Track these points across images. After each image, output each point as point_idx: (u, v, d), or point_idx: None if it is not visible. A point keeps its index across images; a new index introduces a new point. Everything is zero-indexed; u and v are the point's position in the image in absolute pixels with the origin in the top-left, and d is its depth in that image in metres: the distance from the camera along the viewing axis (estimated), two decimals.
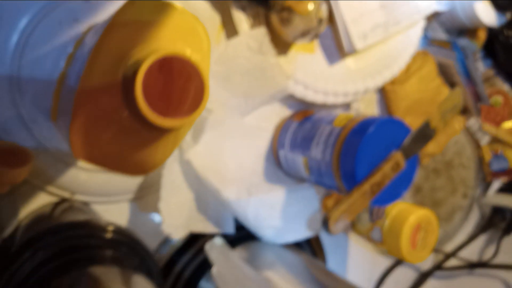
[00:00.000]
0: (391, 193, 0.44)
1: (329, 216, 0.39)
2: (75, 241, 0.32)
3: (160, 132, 0.26)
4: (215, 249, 0.31)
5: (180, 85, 0.29)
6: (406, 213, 0.48)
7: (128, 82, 0.25)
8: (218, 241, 0.33)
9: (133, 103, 0.24)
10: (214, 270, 0.32)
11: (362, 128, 0.43)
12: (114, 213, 0.46)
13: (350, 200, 0.41)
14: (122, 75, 0.26)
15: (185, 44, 0.29)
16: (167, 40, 0.28)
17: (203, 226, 0.49)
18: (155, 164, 0.29)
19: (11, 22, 0.39)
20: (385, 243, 0.49)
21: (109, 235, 0.34)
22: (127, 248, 0.34)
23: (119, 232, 0.35)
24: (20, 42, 0.39)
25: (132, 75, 0.24)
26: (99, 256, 0.32)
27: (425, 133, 0.45)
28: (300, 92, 0.51)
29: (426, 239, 0.49)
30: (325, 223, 0.40)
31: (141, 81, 0.24)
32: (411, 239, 0.48)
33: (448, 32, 0.60)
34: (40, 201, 0.43)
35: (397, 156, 0.43)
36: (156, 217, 0.49)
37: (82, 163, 0.43)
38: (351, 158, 0.43)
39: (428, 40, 0.61)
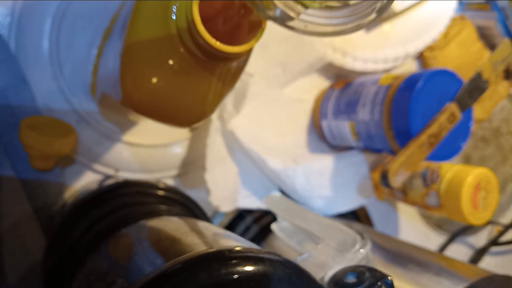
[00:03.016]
0: (450, 147, 0.41)
1: (387, 169, 0.36)
2: (128, 198, 0.30)
3: (214, 65, 0.24)
4: (274, 200, 0.28)
5: (220, 19, 0.27)
6: (463, 173, 0.44)
7: (184, 20, 0.22)
8: (275, 193, 0.30)
9: (191, 33, 0.21)
10: (274, 225, 0.29)
11: (412, 82, 0.40)
12: None
13: (408, 152, 0.37)
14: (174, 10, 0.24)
15: None
16: None
17: (249, 201, 0.45)
18: (206, 109, 0.27)
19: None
20: (444, 206, 0.45)
21: (160, 192, 0.31)
22: (181, 207, 0.31)
23: (171, 190, 0.32)
24: (57, 15, 0.38)
25: (188, 14, 0.22)
26: (154, 210, 0.29)
27: (478, 85, 0.42)
28: (339, 59, 0.48)
29: (487, 199, 0.44)
30: (384, 177, 0.36)
31: (198, 13, 0.22)
32: (472, 200, 0.43)
33: None
34: (85, 179, 0.41)
35: (452, 107, 0.39)
36: (201, 194, 0.46)
37: (126, 137, 0.41)
38: (404, 114, 0.39)
39: (463, 6, 0.58)
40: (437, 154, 0.40)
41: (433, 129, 0.38)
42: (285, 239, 0.29)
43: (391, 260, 0.35)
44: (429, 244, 0.59)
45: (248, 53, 0.24)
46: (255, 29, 0.22)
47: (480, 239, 0.63)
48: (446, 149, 0.40)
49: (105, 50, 0.37)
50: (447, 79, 0.41)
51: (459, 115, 0.40)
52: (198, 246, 0.22)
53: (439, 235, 0.59)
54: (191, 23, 0.20)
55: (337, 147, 0.50)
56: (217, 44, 0.20)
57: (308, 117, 0.50)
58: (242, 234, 0.45)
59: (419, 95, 0.39)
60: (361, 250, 0.24)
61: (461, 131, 0.41)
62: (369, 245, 0.25)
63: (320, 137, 0.50)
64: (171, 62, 0.22)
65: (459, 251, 0.61)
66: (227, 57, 0.22)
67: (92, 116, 0.39)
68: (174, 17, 0.22)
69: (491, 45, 0.57)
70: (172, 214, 0.28)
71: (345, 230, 0.24)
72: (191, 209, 0.32)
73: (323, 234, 0.25)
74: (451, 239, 0.59)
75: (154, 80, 0.23)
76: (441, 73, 0.40)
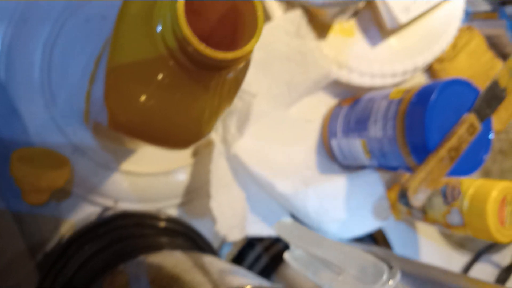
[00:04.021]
0: (472, 160, 0.37)
1: (406, 187, 0.32)
2: (125, 231, 0.27)
3: (208, 77, 0.21)
4: (285, 226, 0.25)
5: (215, 36, 0.24)
6: (487, 187, 0.41)
7: (169, 26, 0.19)
8: (285, 219, 0.27)
9: (180, 44, 0.19)
10: (286, 254, 0.26)
11: (425, 94, 0.37)
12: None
13: (428, 168, 0.34)
14: (159, 20, 0.21)
15: None
16: None
17: (258, 228, 0.42)
18: (202, 129, 0.24)
19: (37, 24, 0.35)
20: (468, 225, 0.41)
21: (161, 224, 0.28)
22: (184, 238, 0.28)
23: (173, 220, 0.29)
24: (48, 43, 0.36)
25: (172, 17, 0.19)
26: (154, 243, 0.26)
27: (496, 93, 0.39)
28: (345, 76, 0.46)
29: None
30: (403, 196, 0.33)
31: (183, 13, 0.19)
32: (499, 215, 0.40)
33: (490, 2, 0.54)
34: (83, 212, 0.38)
35: (471, 118, 0.36)
36: (207, 223, 0.42)
37: (124, 166, 0.38)
38: (419, 128, 0.36)
39: (469, 16, 0.55)
40: (458, 168, 0.37)
41: (452, 142, 0.35)
42: (299, 269, 0.26)
43: None
44: (452, 264, 0.55)
45: (245, 61, 0.22)
46: (251, 34, 0.19)
47: (505, 257, 0.58)
48: (467, 163, 0.37)
49: (98, 75, 0.34)
50: (462, 89, 0.38)
51: (479, 126, 0.37)
52: (201, 286, 0.19)
53: (462, 254, 0.55)
54: (177, 30, 0.18)
55: (348, 167, 0.47)
56: (208, 50, 0.18)
57: (316, 137, 0.47)
58: (253, 264, 0.42)
59: (434, 107, 0.36)
60: (390, 282, 0.20)
61: (482, 143, 0.38)
62: (398, 275, 0.21)
63: (330, 157, 0.47)
64: (159, 77, 0.20)
65: (484, 271, 0.57)
66: (222, 66, 0.19)
67: (87, 145, 0.36)
68: (159, 28, 0.19)
69: (502, 54, 0.54)
70: (174, 247, 0.25)
71: (369, 258, 0.21)
72: (195, 241, 0.29)
73: (343, 263, 0.22)
74: (475, 258, 0.55)
75: (142, 98, 0.20)
76: (455, 82, 0.37)
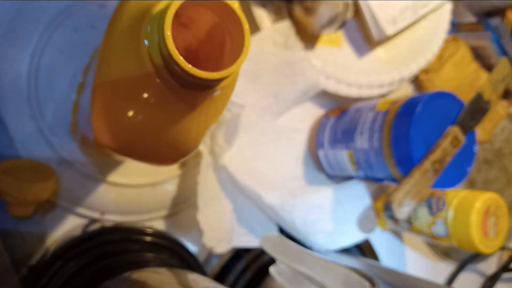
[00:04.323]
0: (456, 172, 0.38)
1: (391, 199, 0.33)
2: (110, 247, 0.26)
3: (195, 96, 0.21)
4: (271, 241, 0.25)
5: (203, 50, 0.24)
6: (471, 199, 0.41)
7: (156, 44, 0.19)
8: (271, 233, 0.27)
9: (166, 64, 0.19)
10: (272, 268, 0.26)
11: (411, 106, 0.38)
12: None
13: (412, 180, 0.34)
14: (146, 38, 0.21)
15: None
16: None
17: (246, 240, 0.42)
18: (190, 144, 0.24)
19: (25, 33, 0.35)
20: (453, 235, 0.42)
21: (148, 238, 0.28)
22: (169, 254, 0.28)
23: (159, 235, 0.29)
24: (35, 53, 0.35)
25: (159, 35, 0.19)
26: (139, 259, 0.26)
27: (480, 106, 0.39)
28: (333, 87, 0.46)
29: (498, 225, 0.41)
30: (388, 209, 0.33)
31: (169, 29, 0.19)
32: (482, 227, 0.40)
33: (476, 13, 0.55)
34: (69, 224, 0.38)
35: (455, 131, 0.37)
36: (194, 235, 0.42)
37: (111, 178, 0.38)
38: (405, 140, 0.37)
39: (455, 27, 0.56)
40: (442, 180, 0.37)
41: (436, 154, 0.35)
42: (284, 284, 0.26)
43: None
44: (437, 273, 0.56)
45: (232, 79, 0.22)
46: (238, 52, 0.20)
47: (490, 265, 0.59)
48: (451, 175, 0.38)
49: (85, 86, 0.34)
50: (447, 101, 0.39)
51: (462, 139, 0.37)
52: None
53: (448, 264, 0.56)
54: (163, 47, 0.18)
55: (335, 177, 0.48)
56: (194, 70, 0.18)
57: (304, 147, 0.48)
58: (240, 275, 0.42)
59: (420, 119, 0.37)
60: None
61: (466, 155, 0.39)
62: None
63: (318, 167, 0.47)
64: (146, 94, 0.20)
65: (469, 280, 0.58)
66: (208, 85, 0.19)
67: (74, 157, 0.36)
68: (146, 43, 0.19)
69: (487, 65, 0.55)
70: (160, 264, 0.25)
71: (352, 276, 0.21)
72: (181, 256, 0.29)
73: (326, 280, 0.22)
74: (460, 268, 0.56)
75: (128, 115, 0.20)
76: (440, 95, 0.38)
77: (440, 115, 0.38)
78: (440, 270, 0.56)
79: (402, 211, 0.33)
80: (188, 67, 0.18)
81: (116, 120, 0.20)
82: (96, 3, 0.37)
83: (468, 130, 0.38)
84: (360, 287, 0.20)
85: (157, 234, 0.29)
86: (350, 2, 0.42)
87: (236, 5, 0.20)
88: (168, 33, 0.18)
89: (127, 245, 0.27)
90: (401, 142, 0.37)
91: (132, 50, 0.19)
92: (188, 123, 0.21)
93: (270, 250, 0.25)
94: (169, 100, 0.20)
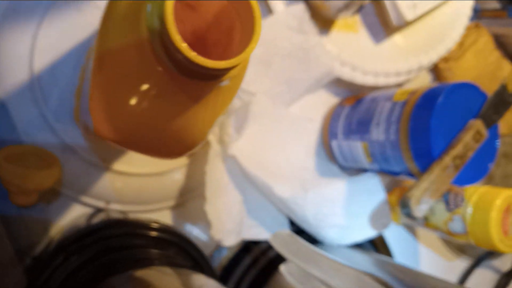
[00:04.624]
0: (476, 169, 0.36)
1: (409, 196, 0.31)
2: (114, 241, 0.25)
3: (201, 86, 0.20)
4: (282, 239, 0.24)
5: (212, 34, 0.23)
6: (491, 195, 0.40)
7: (156, 26, 0.18)
8: (283, 230, 0.26)
9: (170, 46, 0.17)
10: (283, 267, 0.25)
11: (431, 97, 0.36)
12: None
13: (431, 176, 0.32)
14: (146, 23, 0.19)
15: None
16: None
17: (255, 232, 0.41)
18: (195, 138, 0.22)
19: (26, 14, 0.34)
20: (470, 233, 0.40)
21: (153, 233, 0.27)
22: (176, 249, 0.27)
23: (166, 230, 0.28)
24: (37, 34, 0.34)
25: (160, 19, 0.18)
26: (144, 256, 0.24)
27: (504, 98, 0.37)
28: (348, 74, 0.44)
29: None
30: (405, 206, 0.32)
31: (172, 17, 0.17)
32: (502, 225, 0.39)
33: (501, 0, 0.52)
34: (73, 214, 0.37)
35: (478, 125, 0.35)
36: (202, 226, 0.41)
37: (117, 166, 0.37)
38: (424, 133, 0.35)
39: (477, 13, 0.54)
40: (462, 177, 0.35)
41: (458, 149, 0.34)
42: (295, 284, 0.25)
43: None
44: (452, 270, 0.54)
45: (241, 68, 0.20)
46: (247, 39, 0.18)
47: (505, 262, 0.58)
48: (471, 171, 0.36)
49: (88, 70, 0.33)
50: (470, 93, 0.36)
51: (485, 133, 0.35)
52: None
53: (463, 260, 0.55)
54: (164, 35, 0.16)
55: (348, 169, 0.46)
56: (199, 59, 0.16)
57: (316, 137, 0.46)
58: (249, 268, 0.41)
59: (441, 112, 0.35)
60: None
61: (487, 151, 0.37)
62: None
63: (330, 158, 0.46)
64: (147, 85, 0.18)
65: (484, 276, 0.56)
66: (214, 75, 0.18)
67: (78, 144, 0.35)
68: (146, 31, 0.17)
69: (510, 54, 0.53)
70: (165, 262, 0.24)
71: (369, 283, 0.20)
72: (187, 252, 0.28)
73: (338, 283, 0.21)
74: (475, 264, 0.54)
75: (129, 106, 0.19)
76: (463, 86, 0.36)
77: (461, 107, 0.36)
78: (454, 266, 0.54)
79: (420, 209, 0.31)
80: (192, 54, 0.16)
81: (117, 111, 0.19)
82: None
83: (491, 123, 0.36)
84: None
85: (163, 229, 0.28)
86: None
87: None
88: (170, 17, 0.17)
89: (132, 240, 0.26)
90: (420, 135, 0.35)
91: (131, 35, 0.18)
92: (194, 115, 0.19)
93: (281, 249, 0.24)
94: (172, 91, 0.18)
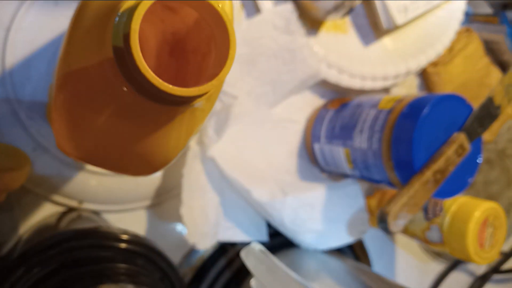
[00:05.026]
0: (456, 183, 0.36)
1: (387, 211, 0.31)
2: (79, 253, 0.24)
3: (171, 109, 0.18)
4: (253, 255, 0.24)
5: (191, 40, 0.21)
6: (470, 207, 0.39)
7: (121, 46, 0.16)
8: (255, 246, 0.25)
9: (134, 71, 0.16)
10: (253, 282, 0.24)
11: (416, 108, 0.35)
12: (129, 222, 0.38)
13: (411, 191, 0.32)
14: (113, 37, 0.17)
15: None
16: None
17: (232, 234, 0.40)
18: (166, 157, 0.21)
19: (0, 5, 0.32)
20: (447, 243, 0.40)
21: (123, 245, 0.26)
22: (144, 260, 0.26)
23: (135, 241, 0.27)
24: (11, 27, 0.32)
25: (125, 34, 0.16)
26: (109, 271, 0.24)
27: (490, 111, 0.37)
28: (334, 76, 0.43)
29: (495, 236, 0.40)
30: (382, 221, 0.31)
31: (136, 35, 0.15)
32: (479, 237, 0.39)
33: (492, 5, 0.51)
34: (44, 212, 0.36)
35: (461, 138, 0.35)
36: (178, 226, 0.41)
37: (91, 166, 0.35)
38: (406, 144, 0.34)
39: (469, 17, 0.53)
40: (440, 190, 0.35)
41: (439, 164, 0.33)
42: None
43: None
44: (428, 272, 0.55)
45: (215, 89, 0.19)
46: (222, 59, 0.17)
47: (480, 266, 0.58)
48: (450, 185, 0.35)
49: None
50: (455, 105, 0.36)
51: (468, 147, 0.35)
52: None
53: (439, 263, 0.55)
54: (127, 50, 0.15)
55: (329, 173, 0.45)
56: (167, 87, 0.15)
57: (299, 139, 0.45)
58: (224, 269, 0.40)
59: (425, 123, 0.34)
60: None
61: (469, 165, 0.36)
62: None
63: (312, 161, 0.45)
64: (111, 106, 0.17)
65: (459, 279, 0.57)
66: (184, 101, 0.16)
67: (50, 142, 0.34)
68: (113, 35, 0.16)
69: (499, 61, 0.52)
70: (133, 275, 0.23)
71: None
72: (156, 263, 0.27)
73: None
74: (451, 267, 0.55)
75: (93, 126, 0.17)
76: (449, 98, 0.35)
77: (446, 119, 0.35)
78: (430, 269, 0.55)
79: (397, 224, 0.31)
80: (159, 82, 0.15)
81: (80, 131, 0.18)
82: None
83: (474, 137, 0.36)
84: None
85: (132, 241, 0.27)
86: None
87: (226, 6, 0.17)
88: (134, 34, 0.15)
89: (99, 252, 0.25)
90: (402, 146, 0.35)
91: (96, 50, 0.16)
92: (163, 137, 0.18)
93: (251, 266, 0.23)
94: (138, 113, 0.17)
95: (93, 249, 0.25)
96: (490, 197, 0.54)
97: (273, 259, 0.24)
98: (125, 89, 0.16)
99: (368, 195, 0.47)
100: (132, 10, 0.15)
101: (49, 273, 0.23)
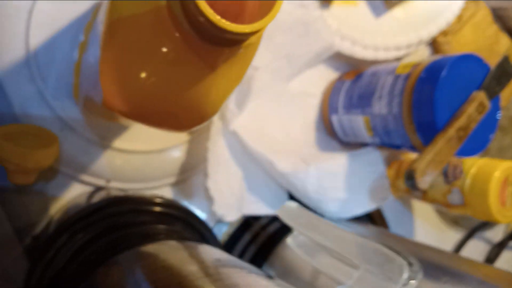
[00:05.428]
0: (478, 140, 0.36)
1: (414, 168, 0.31)
2: (119, 219, 0.25)
3: (222, 52, 0.18)
4: (291, 212, 0.24)
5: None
6: (490, 167, 0.40)
7: None
8: (291, 203, 0.25)
9: (193, 10, 0.16)
10: (290, 240, 0.24)
11: (435, 69, 0.35)
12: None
13: (436, 148, 0.32)
14: None
15: None
16: None
17: (256, 207, 0.41)
18: (210, 108, 0.21)
19: None
20: (468, 205, 0.40)
21: (157, 209, 0.26)
22: (182, 223, 0.26)
23: (170, 205, 0.27)
24: (33, 8, 0.32)
25: None
26: (150, 232, 0.24)
27: (506, 70, 0.37)
28: (348, 48, 0.43)
29: None
30: (410, 179, 0.32)
31: None
32: (500, 196, 0.39)
33: None
34: (73, 192, 0.36)
35: (481, 96, 0.35)
36: (203, 203, 0.41)
37: (116, 144, 0.36)
38: (428, 106, 0.34)
39: None
40: (464, 148, 0.35)
41: (461, 121, 0.33)
42: (305, 257, 0.24)
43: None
44: (446, 240, 0.55)
45: (257, 37, 0.19)
46: (266, 4, 0.17)
47: (497, 233, 0.58)
48: (473, 143, 0.36)
49: (88, 45, 0.31)
50: (473, 65, 0.36)
51: (488, 105, 0.35)
52: (198, 280, 0.18)
53: (456, 231, 0.55)
54: None
55: (348, 143, 0.45)
56: (223, 23, 0.15)
57: (316, 112, 0.45)
58: (249, 243, 0.41)
59: (445, 84, 0.34)
60: (411, 282, 0.19)
61: (489, 122, 0.36)
62: (420, 275, 0.20)
63: (329, 133, 0.45)
64: (162, 51, 0.17)
65: (476, 247, 0.57)
66: (234, 40, 0.17)
67: (77, 121, 0.34)
68: None
69: (507, 28, 0.52)
70: (171, 236, 0.24)
71: (387, 254, 0.19)
72: (193, 226, 0.28)
73: (358, 257, 0.20)
74: (469, 235, 0.55)
75: (142, 75, 0.18)
76: (466, 58, 0.35)
77: (464, 79, 0.35)
78: (448, 237, 0.55)
79: (424, 181, 0.31)
80: (216, 18, 0.15)
81: (129, 81, 0.18)
82: None
83: (493, 95, 0.36)
84: (396, 266, 0.18)
85: (167, 204, 0.27)
86: None
87: None
88: None
89: (137, 217, 0.25)
90: (423, 108, 0.35)
91: None
92: (209, 85, 0.18)
93: (290, 221, 0.24)
94: (189, 57, 0.17)
95: (132, 213, 0.25)
96: None
97: (310, 212, 0.24)
98: (177, 34, 0.16)
99: (386, 165, 0.48)
100: None
101: (91, 238, 0.23)
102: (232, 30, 0.15)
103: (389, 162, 0.48)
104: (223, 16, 0.23)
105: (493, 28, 0.51)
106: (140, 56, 0.17)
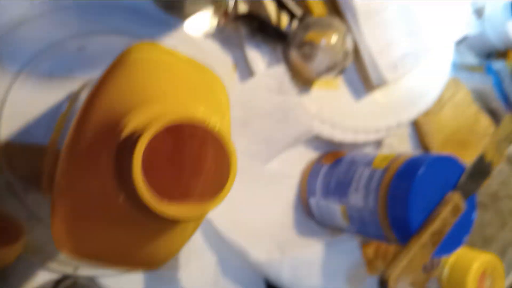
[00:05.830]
0: (451, 240, 0.35)
1: (387, 276, 0.30)
2: None
3: (168, 222, 0.18)
4: None
5: (194, 158, 0.21)
6: (468, 259, 0.39)
7: (122, 157, 0.16)
8: None
9: (129, 184, 0.15)
10: None
11: (411, 168, 0.35)
12: (126, 287, 0.37)
13: (410, 255, 0.31)
14: (116, 146, 0.17)
15: (197, 102, 0.21)
16: (174, 98, 0.20)
17: None
18: (164, 257, 0.21)
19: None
20: None
21: None
22: None
23: None
24: (6, 99, 0.32)
25: (127, 148, 0.16)
26: None
27: (482, 168, 0.37)
28: (327, 132, 0.43)
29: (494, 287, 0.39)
30: (383, 285, 0.31)
31: (139, 157, 0.15)
32: None
33: (477, 55, 0.52)
34: (38, 280, 0.34)
35: (456, 198, 0.34)
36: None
37: None
38: (402, 205, 0.34)
39: (456, 67, 0.54)
40: (437, 250, 0.34)
41: (436, 225, 0.33)
42: None
43: None
44: None
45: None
46: (220, 183, 0.17)
47: None
48: (446, 244, 0.35)
49: (61, 138, 0.31)
50: (448, 165, 0.36)
51: (463, 207, 0.35)
52: None
53: None
54: (128, 178, 0.15)
55: (326, 226, 0.45)
56: (160, 208, 0.14)
57: (295, 192, 0.45)
58: None
59: (420, 183, 0.34)
60: None
61: (464, 222, 0.36)
62: None
63: (308, 214, 0.44)
64: (109, 214, 0.16)
65: None
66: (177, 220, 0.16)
67: (44, 211, 0.33)
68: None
69: (488, 109, 0.52)
70: None
71: None
72: None
73: None
74: None
75: (92, 232, 0.17)
76: (442, 159, 0.35)
77: (440, 179, 0.35)
78: None
79: None
80: (155, 206, 0.14)
81: (80, 233, 0.17)
82: (74, 45, 0.33)
83: (468, 194, 0.35)
84: None
85: None
86: (350, 50, 0.39)
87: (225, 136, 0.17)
88: (138, 173, 0.15)
89: None
90: (398, 206, 0.34)
91: (95, 163, 0.16)
92: (163, 240, 0.18)
93: None
94: (138, 222, 0.17)
95: None
96: (485, 239, 0.54)
97: None
98: (120, 198, 0.16)
99: (365, 243, 0.47)
100: (135, 135, 0.15)
101: None
102: (169, 215, 0.15)
103: (366, 240, 0.47)
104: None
105: (473, 108, 0.52)
106: (91, 214, 0.17)
